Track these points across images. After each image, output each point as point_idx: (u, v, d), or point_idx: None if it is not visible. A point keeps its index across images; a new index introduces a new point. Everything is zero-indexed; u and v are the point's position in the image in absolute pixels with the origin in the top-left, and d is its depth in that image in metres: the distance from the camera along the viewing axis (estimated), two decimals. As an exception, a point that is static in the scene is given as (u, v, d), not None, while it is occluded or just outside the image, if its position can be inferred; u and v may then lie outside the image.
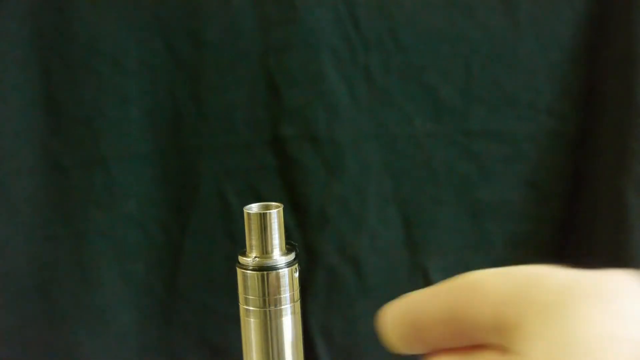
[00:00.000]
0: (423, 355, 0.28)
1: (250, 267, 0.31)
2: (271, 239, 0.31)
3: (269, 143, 0.64)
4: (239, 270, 0.32)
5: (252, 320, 0.31)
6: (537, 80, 0.64)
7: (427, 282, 0.66)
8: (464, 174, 0.65)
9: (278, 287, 0.31)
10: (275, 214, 0.31)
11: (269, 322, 0.31)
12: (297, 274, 0.32)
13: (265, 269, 0.31)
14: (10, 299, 0.64)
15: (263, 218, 0.31)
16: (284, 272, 0.31)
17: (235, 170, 0.65)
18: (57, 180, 0.63)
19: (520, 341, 0.23)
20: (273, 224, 0.31)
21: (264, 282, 0.31)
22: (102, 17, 0.61)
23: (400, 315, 0.28)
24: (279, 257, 0.31)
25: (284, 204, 0.32)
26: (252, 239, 0.32)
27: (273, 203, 0.32)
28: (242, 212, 0.32)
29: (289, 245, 0.32)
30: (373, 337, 0.34)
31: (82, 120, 0.63)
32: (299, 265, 0.32)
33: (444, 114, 0.64)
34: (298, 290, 0.32)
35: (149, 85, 0.63)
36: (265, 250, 0.31)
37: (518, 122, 0.65)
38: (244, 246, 0.32)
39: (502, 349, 0.24)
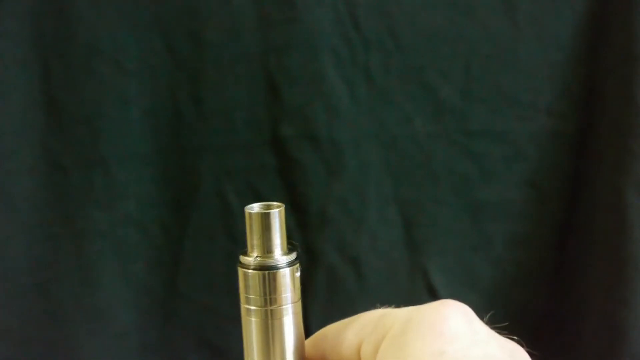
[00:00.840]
0: None
1: (252, 267, 0.31)
2: (273, 238, 0.31)
3: (269, 143, 0.64)
4: (240, 270, 0.32)
5: (253, 319, 0.31)
6: (537, 80, 0.64)
7: (427, 282, 0.66)
8: (464, 174, 0.65)
9: (279, 286, 0.31)
10: (277, 214, 0.32)
11: (270, 321, 0.31)
12: (298, 274, 0.32)
13: (266, 269, 0.31)
14: (10, 298, 0.64)
15: (265, 218, 0.31)
16: (285, 272, 0.31)
17: (235, 170, 0.65)
18: (57, 180, 0.63)
19: None
20: (275, 224, 0.32)
21: (265, 282, 0.31)
22: (102, 17, 0.61)
23: None
24: (280, 256, 0.32)
25: (283, 204, 0.32)
26: (253, 239, 0.32)
27: (274, 203, 0.32)
28: (242, 212, 0.32)
29: (290, 245, 0.32)
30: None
31: (82, 120, 0.63)
32: (300, 265, 0.32)
33: (444, 114, 0.64)
34: (299, 290, 0.32)
35: (149, 85, 0.63)
36: (266, 250, 0.31)
37: (518, 122, 0.65)
38: (244, 246, 0.32)
39: None
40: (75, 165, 0.63)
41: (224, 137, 0.64)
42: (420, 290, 0.66)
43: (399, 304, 0.32)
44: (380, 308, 0.32)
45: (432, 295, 0.66)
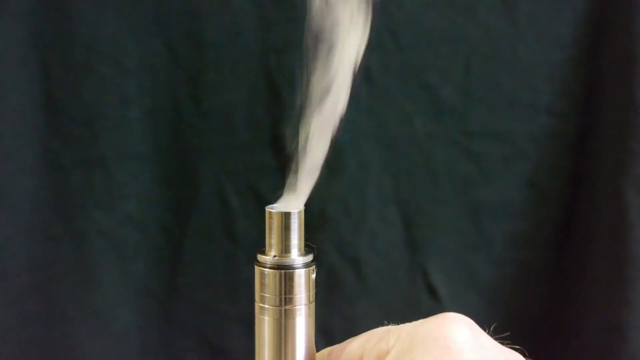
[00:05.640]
0: None
1: (269, 265, 0.32)
2: (291, 238, 0.32)
3: (268, 143, 0.64)
4: (256, 268, 0.32)
5: (266, 318, 0.32)
6: (537, 80, 0.64)
7: (427, 282, 0.66)
8: (464, 174, 0.65)
9: (295, 287, 0.31)
10: (297, 215, 0.32)
11: (283, 321, 0.31)
12: (314, 276, 0.32)
13: (283, 268, 0.32)
14: (10, 299, 0.64)
15: (285, 217, 0.32)
16: (301, 273, 0.32)
17: (235, 170, 0.65)
18: (57, 180, 0.63)
19: None
20: (294, 224, 0.32)
21: (281, 281, 0.31)
22: (102, 17, 0.61)
23: None
24: (297, 257, 0.32)
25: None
26: (272, 238, 0.32)
27: (295, 204, 0.33)
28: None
29: (308, 247, 0.33)
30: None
31: (82, 120, 0.63)
32: (317, 267, 0.33)
33: (444, 114, 0.64)
34: (314, 292, 0.32)
35: (149, 85, 0.63)
36: (284, 250, 0.32)
37: (518, 122, 0.65)
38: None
39: None
40: (75, 165, 0.63)
41: (224, 137, 0.64)
42: (420, 290, 0.66)
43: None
44: (387, 325, 0.33)
45: (432, 295, 0.66)
